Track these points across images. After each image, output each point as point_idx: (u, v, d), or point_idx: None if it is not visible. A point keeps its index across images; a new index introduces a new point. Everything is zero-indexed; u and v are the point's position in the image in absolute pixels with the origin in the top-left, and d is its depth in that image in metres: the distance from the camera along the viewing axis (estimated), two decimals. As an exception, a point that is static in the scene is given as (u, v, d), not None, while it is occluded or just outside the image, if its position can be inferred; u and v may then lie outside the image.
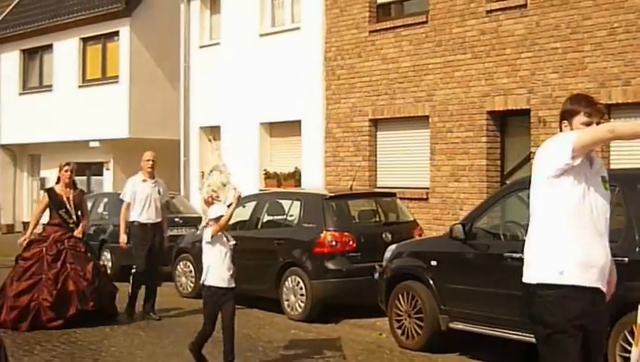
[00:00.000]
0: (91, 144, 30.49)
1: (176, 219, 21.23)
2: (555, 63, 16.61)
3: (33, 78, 35.06)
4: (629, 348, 9.56)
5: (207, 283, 10.69)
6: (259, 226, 16.85)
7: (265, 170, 23.90)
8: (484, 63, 17.95)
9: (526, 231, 11.46)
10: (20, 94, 35.26)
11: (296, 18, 23.39)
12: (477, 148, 18.02)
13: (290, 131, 23.23)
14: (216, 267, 10.71)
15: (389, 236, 14.95)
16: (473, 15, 18.19)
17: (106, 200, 23.25)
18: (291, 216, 16.32)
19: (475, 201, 16.02)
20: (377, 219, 16.58)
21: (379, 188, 19.63)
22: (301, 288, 15.11)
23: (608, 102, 15.68)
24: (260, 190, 22.27)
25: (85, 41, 31.91)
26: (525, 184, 12.42)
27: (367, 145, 20.61)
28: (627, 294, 9.64)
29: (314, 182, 21.60)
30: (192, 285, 17.78)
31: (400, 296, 12.54)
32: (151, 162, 15.44)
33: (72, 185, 14.64)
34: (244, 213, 17.14)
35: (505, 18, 17.58)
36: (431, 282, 12.04)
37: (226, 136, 25.33)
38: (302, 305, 15.04)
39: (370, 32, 20.63)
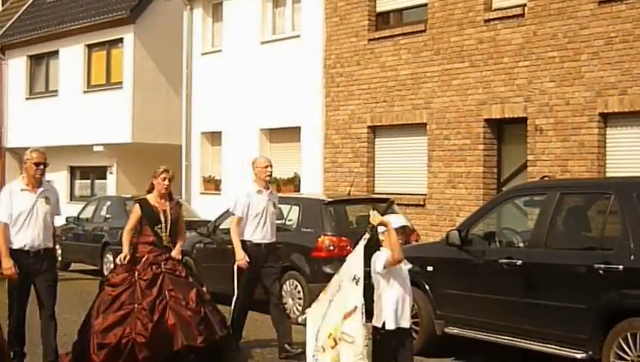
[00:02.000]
0: (95, 148, 30.43)
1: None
2: (552, 72, 16.48)
3: (39, 83, 34.99)
4: (623, 355, 9.42)
5: (379, 324, 8.38)
6: (258, 230, 16.68)
7: (265, 175, 23.69)
8: (481, 72, 17.82)
9: (521, 237, 11.49)
10: (27, 99, 35.19)
11: (297, 26, 23.31)
12: (474, 156, 17.88)
13: (290, 137, 23.14)
14: (392, 303, 8.40)
15: (386, 241, 14.78)
16: (471, 24, 18.06)
17: (108, 203, 23.31)
18: (290, 220, 16.17)
19: (472, 208, 15.86)
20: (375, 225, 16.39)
21: (376, 194, 19.48)
22: (299, 291, 15.02)
23: (605, 111, 15.59)
24: (260, 195, 22.14)
25: (90, 47, 31.85)
26: (521, 191, 12.44)
27: (366, 151, 20.48)
28: (622, 301, 9.54)
29: (313, 187, 21.52)
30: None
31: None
32: (270, 169, 12.42)
33: (168, 195, 11.62)
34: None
35: (502, 27, 17.46)
36: (427, 287, 11.89)
37: (226, 141, 25.26)
38: (299, 308, 14.90)
39: (370, 40, 20.52)
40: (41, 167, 10.52)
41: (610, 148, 15.72)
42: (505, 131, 17.97)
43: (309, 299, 14.61)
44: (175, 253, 11.44)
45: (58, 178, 33.30)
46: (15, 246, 10.40)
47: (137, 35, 29.59)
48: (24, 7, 37.02)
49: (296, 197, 17.94)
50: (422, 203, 18.84)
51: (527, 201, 12.27)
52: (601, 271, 9.62)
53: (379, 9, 20.70)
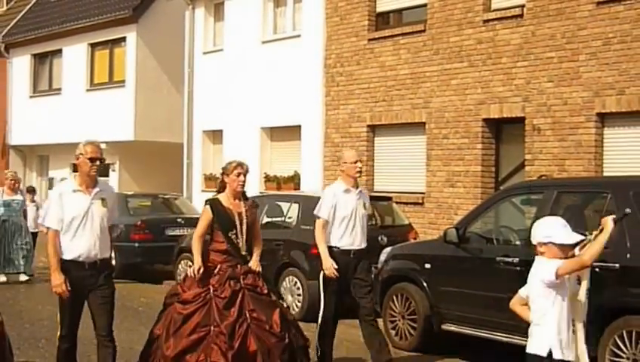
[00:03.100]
0: (98, 146, 30.32)
1: (179, 220, 21.24)
2: (550, 72, 16.43)
3: (43, 81, 35.02)
4: (619, 353, 9.38)
5: (542, 351, 6.97)
6: (258, 228, 16.64)
7: (265, 173, 23.76)
8: (480, 72, 17.77)
9: (518, 235, 11.45)
10: (31, 97, 35.24)
11: (298, 26, 23.28)
12: (472, 155, 17.84)
13: (290, 136, 23.10)
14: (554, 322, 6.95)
15: (385, 239, 14.75)
16: (470, 24, 18.01)
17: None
18: (290, 218, 16.20)
19: (470, 206, 15.82)
20: (373, 222, 16.35)
21: (376, 192, 19.41)
22: (298, 288, 15.00)
23: (602, 111, 15.55)
24: (260, 192, 22.18)
25: (93, 46, 31.88)
26: (518, 190, 12.40)
27: (365, 150, 20.42)
28: (618, 299, 9.50)
29: (313, 185, 21.44)
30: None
31: (394, 298, 12.42)
32: (359, 165, 10.69)
33: (242, 195, 9.83)
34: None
35: (501, 28, 17.41)
36: (425, 284, 11.92)
37: (227, 139, 25.22)
38: (299, 304, 14.90)
39: (370, 40, 20.47)
40: (97, 163, 8.83)
41: (608, 147, 15.68)
42: (503, 131, 17.92)
43: (308, 296, 14.63)
44: (254, 264, 9.52)
45: (61, 175, 33.34)
46: (67, 256, 8.71)
47: (140, 35, 29.60)
48: (28, 7, 37.10)
49: (296, 195, 18.03)
50: (420, 201, 18.80)
51: (525, 200, 12.23)
52: (597, 270, 9.55)
53: (379, 9, 20.65)
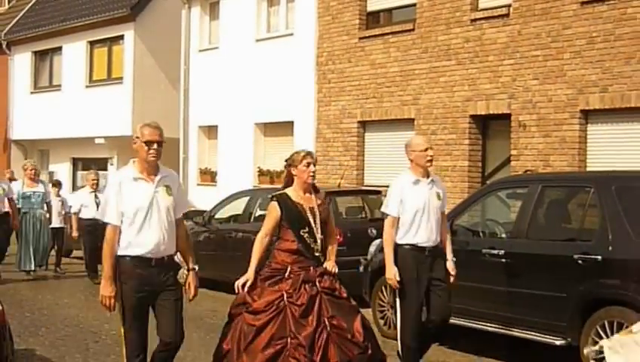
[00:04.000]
0: (97, 140, 30.37)
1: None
2: (535, 70, 16.41)
3: (43, 78, 34.91)
4: (600, 342, 9.38)
5: None
6: (251, 220, 16.63)
7: (259, 167, 23.73)
8: (467, 70, 17.74)
9: (504, 228, 11.45)
10: (31, 93, 35.11)
11: (290, 25, 23.23)
12: (459, 150, 17.82)
13: (283, 131, 23.06)
14: None
15: (375, 231, 14.70)
16: (458, 24, 17.98)
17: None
18: (282, 211, 16.12)
19: (457, 200, 15.78)
20: (363, 215, 16.46)
21: (366, 186, 19.41)
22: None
23: (586, 108, 15.53)
24: (254, 186, 22.17)
25: (92, 44, 31.77)
26: (504, 184, 12.40)
27: (356, 145, 20.41)
28: (600, 291, 9.51)
29: (305, 179, 21.38)
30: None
31: (383, 288, 12.33)
32: (430, 152, 9.30)
33: (313, 188, 8.46)
34: (237, 208, 17.06)
35: (488, 27, 17.38)
36: (413, 276, 11.83)
37: (222, 135, 25.20)
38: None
39: (360, 38, 20.44)
40: (155, 146, 7.53)
41: (591, 143, 15.66)
42: (489, 127, 17.90)
43: (300, 287, 14.62)
44: (330, 265, 8.22)
45: (61, 169, 33.31)
46: (132, 253, 7.41)
47: (137, 33, 29.51)
48: (29, 5, 36.98)
49: (288, 188, 17.92)
50: (409, 195, 18.76)
51: (510, 194, 12.23)
52: (580, 262, 9.58)
53: (369, 8, 20.61)
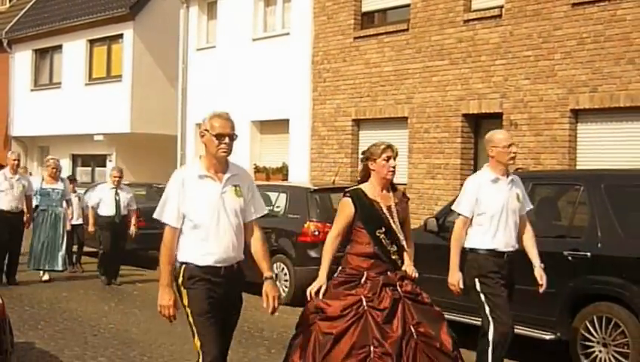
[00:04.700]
0: (96, 138, 30.40)
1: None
2: (527, 70, 16.41)
3: (44, 75, 34.91)
4: (590, 337, 9.40)
5: None
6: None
7: (255, 164, 23.70)
8: (460, 69, 17.74)
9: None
10: (32, 90, 35.13)
11: (287, 24, 23.20)
12: (452, 148, 17.82)
13: (279, 129, 23.06)
14: None
15: (368, 227, 14.73)
16: (451, 24, 17.98)
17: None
18: (278, 207, 16.16)
19: (449, 197, 15.80)
20: (357, 212, 16.42)
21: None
22: (285, 274, 14.98)
23: (576, 108, 15.55)
24: (250, 183, 22.14)
25: (92, 42, 31.78)
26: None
27: (350, 143, 20.40)
28: (589, 286, 9.52)
29: (300, 176, 21.45)
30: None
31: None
32: (514, 148, 8.34)
33: (391, 185, 7.54)
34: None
35: (481, 27, 17.37)
36: (406, 271, 11.82)
37: (220, 132, 25.17)
38: (286, 289, 14.89)
39: (355, 38, 20.42)
40: (226, 140, 6.45)
41: (581, 142, 15.67)
42: (482, 125, 17.88)
43: (295, 281, 14.63)
44: (410, 269, 7.36)
45: (61, 165, 33.24)
46: (199, 261, 6.40)
47: (136, 32, 29.53)
48: (30, 4, 36.99)
49: (284, 185, 17.94)
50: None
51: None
52: (570, 258, 9.60)
53: (364, 9, 20.61)
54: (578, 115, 15.70)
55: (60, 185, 17.25)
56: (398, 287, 7.09)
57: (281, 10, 23.60)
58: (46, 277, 16.94)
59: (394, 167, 7.34)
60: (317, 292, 7.18)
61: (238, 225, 6.53)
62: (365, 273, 7.13)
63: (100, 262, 17.45)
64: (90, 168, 32.86)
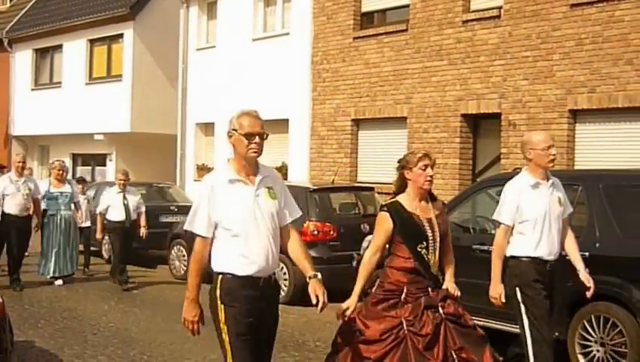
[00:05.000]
0: (96, 137, 30.36)
1: (172, 208, 21.25)
2: (525, 71, 16.41)
3: (44, 75, 34.84)
4: (587, 336, 9.40)
5: None
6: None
7: (254, 164, 23.69)
8: (459, 70, 17.74)
9: (494, 225, 11.41)
10: (32, 90, 35.05)
11: (286, 24, 23.19)
12: (451, 148, 17.82)
13: (279, 129, 22.98)
14: None
15: (367, 227, 14.70)
16: (450, 25, 17.98)
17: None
18: (277, 206, 16.14)
19: (448, 197, 15.75)
20: (357, 211, 16.43)
21: (359, 182, 19.40)
22: (285, 273, 14.93)
23: (574, 108, 15.56)
24: (250, 182, 22.14)
25: (92, 42, 31.71)
26: (494, 182, 12.38)
27: (349, 143, 20.41)
28: (587, 286, 9.50)
29: (299, 176, 21.44)
30: (184, 268, 17.58)
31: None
32: (553, 151, 7.81)
33: (430, 195, 7.11)
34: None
35: (480, 28, 17.38)
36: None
37: (219, 132, 25.14)
38: (285, 289, 14.84)
39: (355, 38, 20.42)
40: (257, 139, 5.97)
41: (579, 142, 15.68)
42: (480, 126, 17.91)
43: (294, 281, 14.62)
44: (452, 287, 6.95)
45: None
46: (236, 271, 5.87)
47: (137, 31, 29.46)
48: (30, 4, 36.92)
49: (283, 185, 17.92)
50: (401, 192, 18.76)
51: (500, 191, 12.12)
52: (568, 258, 9.58)
53: (364, 9, 20.61)
54: (576, 115, 15.71)
55: (67, 188, 16.77)
56: (440, 308, 6.65)
57: (280, 10, 23.59)
58: (59, 282, 16.44)
59: (431, 177, 6.88)
60: (344, 313, 6.70)
61: (275, 229, 6.05)
62: (405, 288, 6.70)
63: (112, 268, 16.82)
64: (90, 167, 32.82)
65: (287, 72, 22.53)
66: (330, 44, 21.13)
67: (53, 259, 16.37)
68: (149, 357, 10.27)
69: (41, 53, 34.93)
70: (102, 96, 30.51)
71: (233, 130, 6.04)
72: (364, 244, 13.03)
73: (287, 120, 22.61)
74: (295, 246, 6.23)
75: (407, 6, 19.10)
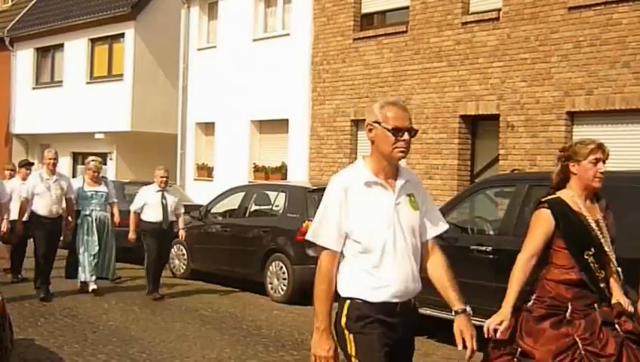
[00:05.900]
0: (96, 136, 30.33)
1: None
2: (523, 73, 16.42)
3: (45, 74, 34.81)
4: (585, 337, 9.40)
5: None
6: (246, 215, 16.65)
7: (254, 163, 23.72)
8: (458, 71, 17.75)
9: (492, 225, 11.44)
10: (33, 89, 34.99)
11: (287, 25, 23.21)
12: (449, 149, 17.83)
13: (279, 129, 23.06)
14: None
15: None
16: (449, 26, 17.99)
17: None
18: (277, 206, 16.18)
19: (447, 198, 15.80)
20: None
21: (358, 183, 19.42)
22: (284, 273, 14.96)
23: (572, 110, 15.58)
24: (249, 182, 22.18)
25: (93, 41, 31.68)
26: (492, 183, 12.40)
27: (349, 143, 20.41)
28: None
29: (299, 175, 21.45)
30: (184, 267, 17.61)
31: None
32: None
33: (595, 194, 5.99)
34: (233, 203, 17.06)
35: (479, 30, 17.39)
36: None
37: (219, 131, 25.20)
38: (284, 288, 14.88)
39: (354, 39, 20.43)
40: (405, 136, 4.82)
41: (576, 144, 15.69)
42: (479, 127, 17.92)
43: (293, 280, 14.63)
44: (623, 299, 5.71)
45: (61, 163, 33.19)
46: (372, 296, 4.77)
47: (138, 31, 29.42)
48: (32, 3, 36.86)
49: (283, 184, 17.99)
50: (400, 192, 18.77)
51: (498, 192, 12.22)
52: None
53: (364, 10, 20.62)
54: (574, 117, 15.72)
55: (102, 188, 15.36)
56: (617, 326, 5.52)
57: (281, 11, 23.61)
58: (94, 286, 15.16)
59: (602, 173, 5.78)
60: (496, 330, 5.78)
61: (416, 246, 4.96)
62: (570, 305, 5.56)
63: (146, 273, 15.31)
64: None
65: (288, 72, 22.54)
66: (330, 45, 21.14)
67: (86, 262, 15.05)
68: (149, 356, 10.27)
69: (43, 52, 34.90)
70: (103, 95, 30.47)
71: (375, 122, 4.89)
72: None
73: (287, 120, 22.64)
74: (438, 270, 5.13)
75: (407, 8, 19.11)
